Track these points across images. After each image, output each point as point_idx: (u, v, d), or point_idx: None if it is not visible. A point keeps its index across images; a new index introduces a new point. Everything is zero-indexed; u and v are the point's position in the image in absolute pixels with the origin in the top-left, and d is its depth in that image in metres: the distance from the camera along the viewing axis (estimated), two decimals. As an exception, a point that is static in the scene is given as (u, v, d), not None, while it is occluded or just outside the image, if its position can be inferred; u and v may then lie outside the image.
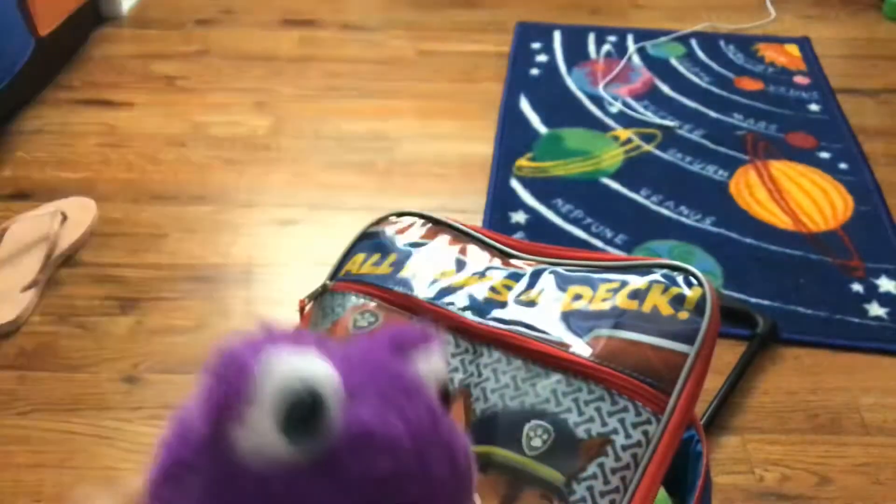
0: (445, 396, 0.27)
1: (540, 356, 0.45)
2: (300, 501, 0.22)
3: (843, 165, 1.11)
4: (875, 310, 0.88)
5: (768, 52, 1.38)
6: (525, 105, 1.23)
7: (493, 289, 0.50)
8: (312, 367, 0.22)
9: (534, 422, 0.43)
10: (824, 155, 1.13)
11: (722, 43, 1.41)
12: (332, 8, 1.51)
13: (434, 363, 0.26)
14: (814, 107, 1.24)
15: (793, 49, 1.39)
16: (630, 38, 1.41)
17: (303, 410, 0.22)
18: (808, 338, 0.85)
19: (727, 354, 0.81)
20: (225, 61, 1.34)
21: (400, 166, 1.11)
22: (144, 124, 1.19)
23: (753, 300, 0.88)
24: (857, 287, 0.91)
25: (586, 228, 1.00)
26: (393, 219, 0.57)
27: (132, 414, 0.76)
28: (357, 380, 0.24)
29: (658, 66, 1.34)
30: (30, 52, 1.12)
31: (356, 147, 1.15)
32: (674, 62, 1.35)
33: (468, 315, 0.48)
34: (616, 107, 1.23)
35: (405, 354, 0.26)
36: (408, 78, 1.31)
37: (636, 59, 1.36)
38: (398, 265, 0.52)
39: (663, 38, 1.41)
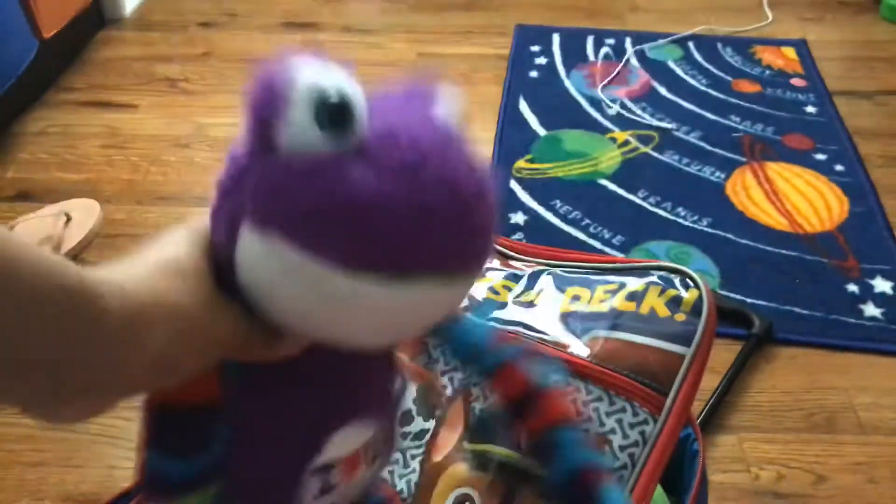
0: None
1: (539, 356, 0.46)
2: (339, 186, 0.24)
3: (838, 167, 1.12)
4: (870, 310, 0.89)
5: (765, 55, 1.39)
6: (524, 107, 1.24)
7: (492, 289, 0.51)
8: (340, 75, 0.26)
9: (533, 420, 0.44)
10: (820, 157, 1.14)
11: (719, 45, 1.42)
12: (333, 11, 1.52)
13: (452, 106, 0.29)
14: (810, 109, 1.25)
15: (790, 51, 1.40)
16: (628, 41, 1.42)
17: (334, 106, 0.25)
18: (803, 338, 0.86)
19: (723, 354, 0.82)
20: (227, 63, 1.35)
21: (400, 168, 1.12)
22: (147, 126, 1.20)
23: (749, 300, 0.89)
24: (852, 287, 0.92)
25: (584, 229, 1.01)
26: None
27: (136, 413, 0.77)
28: (380, 95, 0.28)
29: (656, 68, 1.35)
30: (33, 54, 1.12)
31: (357, 149, 1.16)
32: (671, 65, 1.36)
33: (468, 315, 0.49)
34: (614, 109, 1.24)
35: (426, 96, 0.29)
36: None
37: (634, 62, 1.37)
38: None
39: (661, 41, 1.42)
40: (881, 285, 0.92)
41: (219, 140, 1.17)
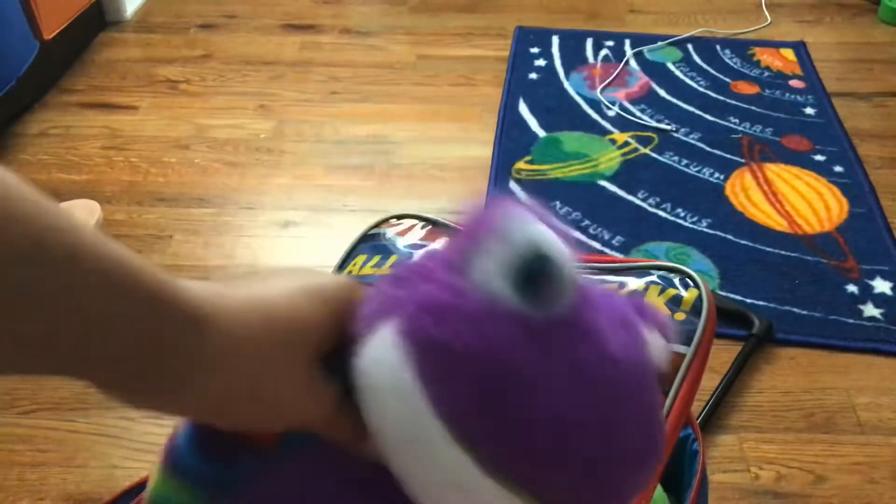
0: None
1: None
2: (505, 350, 0.21)
3: (837, 168, 1.12)
4: (870, 310, 0.89)
5: (764, 57, 1.40)
6: (524, 109, 1.25)
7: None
8: (557, 241, 0.23)
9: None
10: (819, 158, 1.15)
11: (718, 47, 1.43)
12: (333, 13, 1.52)
13: (658, 343, 0.26)
14: (809, 110, 1.25)
15: (788, 53, 1.41)
16: (627, 43, 1.42)
17: (538, 268, 0.22)
18: (803, 338, 0.86)
19: (723, 354, 0.82)
20: (227, 65, 1.35)
21: (400, 169, 1.12)
22: (148, 127, 1.20)
23: (749, 301, 0.90)
24: (851, 288, 0.92)
25: (584, 230, 1.01)
26: (393, 221, 0.58)
27: (137, 413, 0.77)
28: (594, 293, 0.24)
29: (655, 70, 1.36)
30: (34, 55, 1.13)
31: (357, 150, 1.16)
32: (670, 66, 1.37)
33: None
34: (613, 110, 1.24)
35: (639, 317, 0.26)
36: (408, 82, 1.32)
37: (633, 64, 1.37)
38: (401, 266, 0.53)
39: (660, 43, 1.42)
40: (880, 286, 0.92)
41: (219, 141, 1.17)
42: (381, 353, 0.23)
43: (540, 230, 0.22)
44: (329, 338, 0.24)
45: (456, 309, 0.22)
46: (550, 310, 0.22)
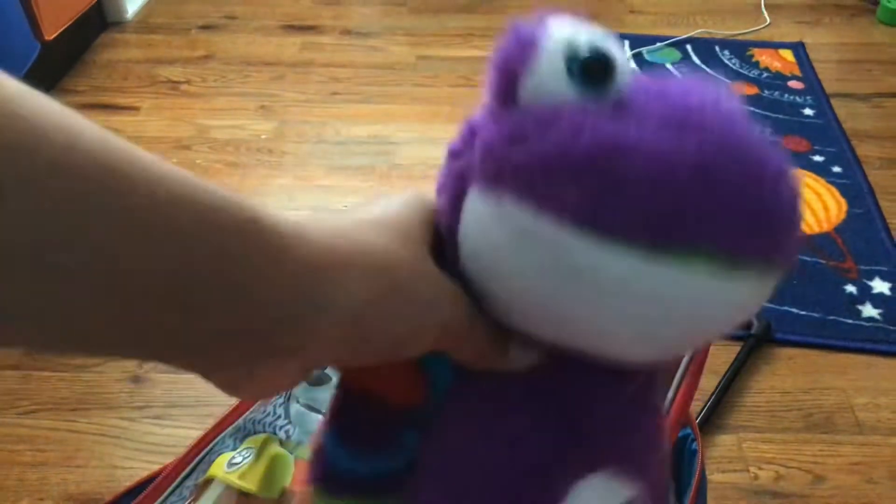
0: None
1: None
2: (588, 133, 0.19)
3: (836, 169, 1.13)
4: (868, 310, 0.89)
5: (763, 57, 1.40)
6: (524, 109, 1.25)
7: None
8: (600, 32, 0.22)
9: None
10: (818, 158, 1.15)
11: (717, 48, 1.43)
12: (333, 14, 1.53)
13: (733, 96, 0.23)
14: (808, 111, 1.25)
15: (787, 54, 1.41)
16: (626, 44, 1.43)
17: (589, 58, 0.20)
18: (802, 338, 0.86)
19: (722, 354, 0.82)
20: (228, 66, 1.35)
21: (400, 170, 1.12)
22: (149, 128, 1.20)
23: (748, 302, 0.90)
24: (850, 288, 0.92)
25: (584, 231, 1.01)
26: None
27: (138, 413, 0.77)
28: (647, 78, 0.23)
29: (654, 71, 1.36)
30: (35, 56, 1.13)
31: (357, 151, 1.16)
32: (670, 67, 1.37)
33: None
34: (613, 111, 1.25)
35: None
36: (408, 83, 1.32)
37: (632, 65, 1.37)
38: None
39: (659, 44, 1.43)
40: (879, 286, 0.93)
41: (220, 142, 1.18)
42: (482, 213, 0.21)
43: (575, 25, 0.21)
44: (430, 236, 0.23)
45: (520, 133, 0.20)
46: (612, 95, 0.20)
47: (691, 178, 0.19)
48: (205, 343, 0.18)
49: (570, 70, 0.20)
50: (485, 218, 0.21)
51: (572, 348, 0.22)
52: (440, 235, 0.23)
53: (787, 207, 0.21)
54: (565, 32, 0.21)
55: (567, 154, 0.19)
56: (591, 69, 0.20)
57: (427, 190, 0.24)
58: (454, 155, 0.23)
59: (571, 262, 0.19)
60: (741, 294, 0.20)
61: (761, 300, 0.21)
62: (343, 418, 0.25)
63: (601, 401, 0.24)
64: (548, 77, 0.20)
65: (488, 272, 0.22)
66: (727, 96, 0.21)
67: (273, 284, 0.18)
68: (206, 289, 0.17)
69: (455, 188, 0.22)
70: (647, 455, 0.25)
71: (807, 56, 1.40)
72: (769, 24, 1.51)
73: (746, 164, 0.20)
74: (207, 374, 0.20)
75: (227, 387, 0.20)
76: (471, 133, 0.23)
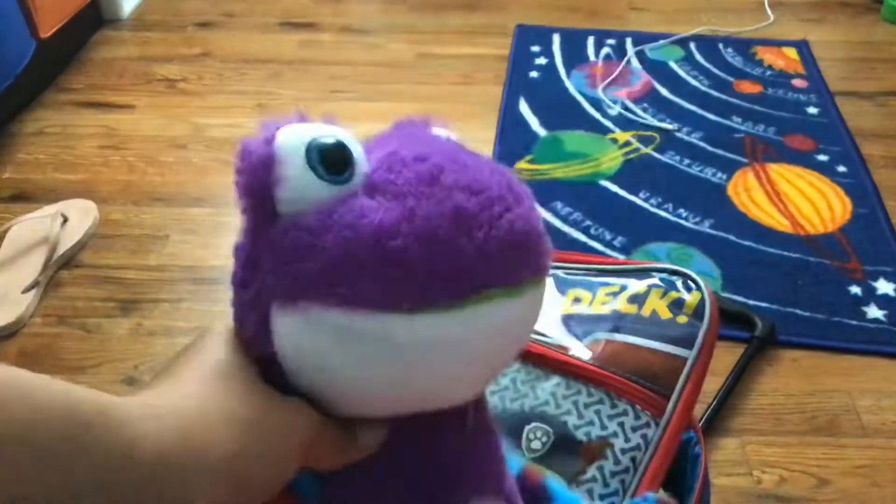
0: None
1: (539, 359, 0.46)
2: (357, 224, 0.22)
3: (841, 168, 1.12)
4: (873, 312, 0.88)
5: (767, 56, 1.39)
6: (524, 107, 1.24)
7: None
8: (326, 126, 0.24)
9: (533, 424, 0.43)
10: (822, 157, 1.14)
11: (720, 46, 1.42)
12: (332, 11, 1.52)
13: (446, 131, 0.28)
14: (812, 109, 1.24)
15: (791, 52, 1.40)
16: (629, 42, 1.41)
17: (325, 148, 0.23)
18: (806, 340, 0.85)
19: (726, 356, 0.81)
20: (225, 64, 1.34)
21: (400, 169, 1.11)
22: (145, 126, 1.19)
23: (752, 302, 0.89)
24: (855, 289, 0.91)
25: (585, 231, 1.00)
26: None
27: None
28: (371, 138, 0.26)
29: (657, 69, 1.35)
30: (31, 54, 1.12)
31: (356, 149, 1.15)
32: (672, 65, 1.36)
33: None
34: (615, 109, 1.23)
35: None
36: (407, 81, 1.31)
37: (635, 62, 1.36)
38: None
39: (662, 42, 1.41)
40: (884, 287, 0.92)
41: (216, 140, 1.16)
42: (292, 328, 0.23)
43: (312, 125, 0.24)
44: (252, 365, 0.24)
45: (299, 244, 0.22)
46: (357, 179, 0.23)
47: (455, 229, 0.22)
48: None
49: (313, 168, 0.23)
50: (297, 332, 0.23)
51: (413, 410, 0.24)
52: (257, 357, 0.25)
53: (537, 229, 0.24)
54: (297, 136, 0.23)
55: (351, 251, 0.22)
56: (333, 158, 0.23)
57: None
58: (242, 285, 0.25)
59: (391, 343, 0.22)
60: (523, 308, 0.25)
61: (537, 305, 0.26)
62: None
63: (451, 430, 0.26)
64: (297, 182, 0.23)
65: (318, 377, 0.23)
66: (447, 139, 0.26)
67: (126, 478, 0.20)
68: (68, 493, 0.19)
69: (256, 316, 0.24)
70: (498, 477, 0.29)
71: (811, 54, 1.39)
72: (773, 21, 1.49)
73: (489, 202, 0.23)
74: None
75: None
76: (248, 259, 0.24)
